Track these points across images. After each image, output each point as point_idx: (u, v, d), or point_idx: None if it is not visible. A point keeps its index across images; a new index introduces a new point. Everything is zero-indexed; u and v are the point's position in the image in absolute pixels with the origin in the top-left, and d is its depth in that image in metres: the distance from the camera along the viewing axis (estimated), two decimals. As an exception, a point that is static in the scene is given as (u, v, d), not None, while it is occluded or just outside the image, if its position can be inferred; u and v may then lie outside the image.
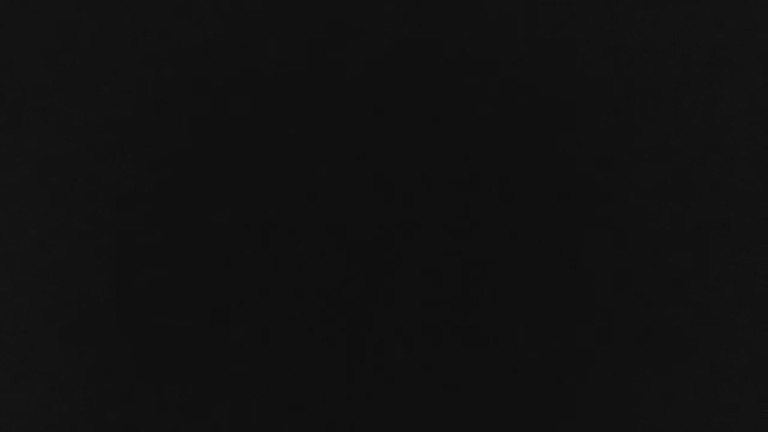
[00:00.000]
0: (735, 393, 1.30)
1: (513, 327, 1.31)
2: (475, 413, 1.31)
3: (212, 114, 1.33)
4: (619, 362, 1.31)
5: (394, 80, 1.33)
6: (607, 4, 1.34)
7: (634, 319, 1.31)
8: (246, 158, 1.33)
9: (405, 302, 1.32)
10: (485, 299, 1.31)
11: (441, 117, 1.33)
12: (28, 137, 1.34)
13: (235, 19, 1.34)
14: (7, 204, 1.33)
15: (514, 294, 1.31)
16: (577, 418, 1.31)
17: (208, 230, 1.33)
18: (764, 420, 1.31)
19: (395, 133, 1.33)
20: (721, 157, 1.33)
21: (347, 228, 1.32)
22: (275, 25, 1.34)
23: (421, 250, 1.32)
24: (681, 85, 1.33)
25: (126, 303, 1.32)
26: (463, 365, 1.31)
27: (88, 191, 1.33)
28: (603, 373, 1.31)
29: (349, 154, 1.33)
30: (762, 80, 1.33)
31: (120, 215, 1.33)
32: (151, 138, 1.33)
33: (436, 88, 1.33)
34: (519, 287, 1.31)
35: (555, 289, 1.31)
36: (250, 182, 1.33)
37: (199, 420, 1.32)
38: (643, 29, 1.34)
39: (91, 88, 1.34)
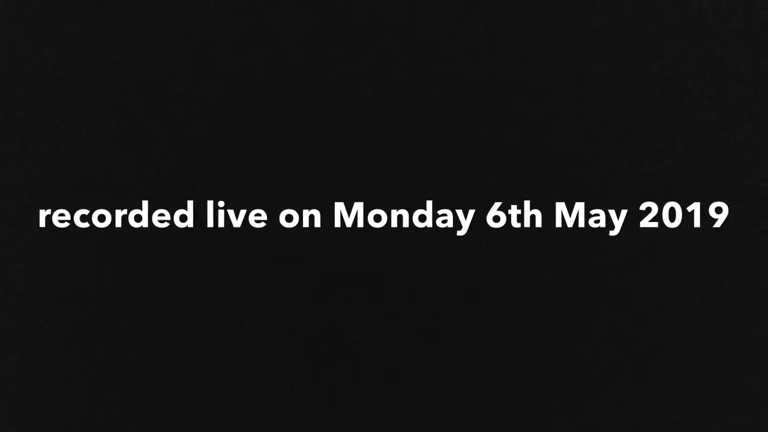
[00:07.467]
0: (739, 387, 1.30)
1: (515, 321, 1.31)
2: (472, 412, 1.31)
3: (220, 112, 1.33)
4: (620, 359, 1.31)
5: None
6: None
7: (636, 315, 1.31)
8: (250, 158, 1.33)
9: (404, 302, 1.32)
10: (486, 297, 1.32)
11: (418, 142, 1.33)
12: (38, 133, 1.34)
13: (243, 19, 1.35)
14: (17, 199, 1.33)
15: (516, 287, 1.31)
16: (579, 414, 1.31)
17: (218, 228, 1.33)
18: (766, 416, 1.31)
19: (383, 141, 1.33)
20: (723, 154, 1.33)
21: (345, 233, 1.33)
22: (276, 25, 1.35)
23: (415, 250, 1.32)
24: (684, 87, 1.34)
25: (130, 302, 1.33)
26: (463, 363, 1.31)
27: (98, 188, 1.33)
28: (604, 370, 1.31)
29: (345, 159, 1.33)
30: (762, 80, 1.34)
31: (128, 213, 1.33)
32: (161, 136, 1.33)
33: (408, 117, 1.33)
34: (519, 282, 1.32)
35: (556, 285, 1.31)
36: (257, 181, 1.33)
37: (201, 420, 1.32)
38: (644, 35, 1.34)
39: (103, 86, 1.34)
